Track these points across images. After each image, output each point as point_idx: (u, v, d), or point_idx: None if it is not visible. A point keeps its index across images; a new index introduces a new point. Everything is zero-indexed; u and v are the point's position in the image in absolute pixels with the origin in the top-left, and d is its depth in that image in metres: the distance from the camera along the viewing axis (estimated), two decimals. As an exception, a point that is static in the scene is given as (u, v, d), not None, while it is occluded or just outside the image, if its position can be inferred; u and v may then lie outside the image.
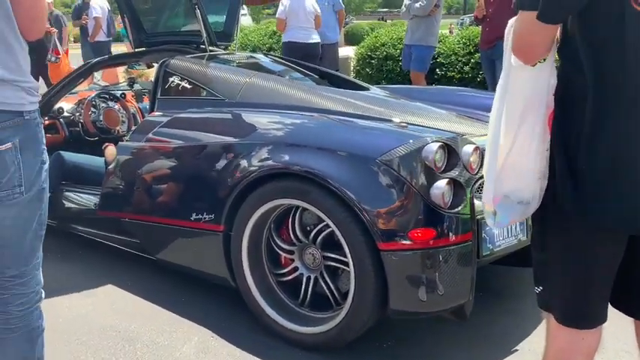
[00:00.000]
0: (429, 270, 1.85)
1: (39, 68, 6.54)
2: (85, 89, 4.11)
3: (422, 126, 2.35)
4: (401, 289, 1.88)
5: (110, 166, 2.66)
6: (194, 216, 2.30)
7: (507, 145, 1.21)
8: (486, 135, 2.16)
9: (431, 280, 1.86)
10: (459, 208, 1.87)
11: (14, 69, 1.27)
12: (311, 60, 4.92)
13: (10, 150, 1.28)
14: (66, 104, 3.60)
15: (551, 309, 1.29)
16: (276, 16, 6.21)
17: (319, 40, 5.95)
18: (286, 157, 2.09)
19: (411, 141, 1.93)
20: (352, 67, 6.95)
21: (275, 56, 3.47)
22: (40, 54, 6.47)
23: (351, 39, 16.09)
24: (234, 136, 2.31)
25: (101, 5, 7.46)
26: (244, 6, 15.66)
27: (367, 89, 3.02)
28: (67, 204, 3.01)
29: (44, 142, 1.39)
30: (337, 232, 1.95)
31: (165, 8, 3.63)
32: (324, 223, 2.02)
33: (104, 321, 2.29)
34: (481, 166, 2.01)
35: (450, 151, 1.91)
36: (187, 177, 2.40)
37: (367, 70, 6.45)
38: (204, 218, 2.27)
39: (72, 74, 3.26)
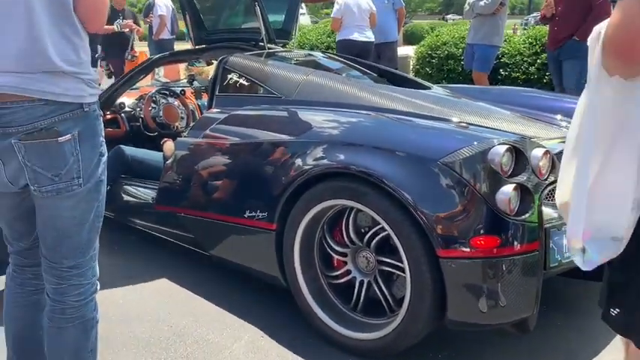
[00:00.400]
0: (491, 280, 1.75)
1: (118, 64, 6.82)
2: (146, 85, 4.21)
3: (486, 127, 2.23)
4: (460, 298, 1.78)
5: (168, 162, 2.68)
6: (247, 213, 2.28)
7: (596, 170, 1.03)
8: (556, 139, 2.01)
9: (493, 291, 1.75)
10: (526, 215, 1.75)
11: (75, 61, 1.28)
12: (364, 58, 4.87)
13: (70, 142, 1.29)
14: (127, 99, 3.68)
15: (631, 334, 1.16)
16: (332, 15, 6.16)
17: (373, 39, 5.86)
18: (342, 157, 2.03)
19: (475, 142, 1.83)
20: (411, 67, 6.82)
21: (333, 54, 3.42)
22: (121, 49, 6.80)
23: (410, 38, 15.86)
24: (289, 134, 2.27)
25: (166, 4, 7.66)
26: (303, 5, 15.78)
27: (428, 88, 2.92)
28: (125, 197, 3.07)
29: (103, 134, 1.39)
30: (393, 236, 1.87)
31: (225, 6, 3.65)
32: (380, 226, 1.94)
33: (156, 314, 2.31)
34: (551, 171, 1.88)
35: (518, 154, 1.79)
36: (242, 174, 2.38)
37: (427, 69, 6.31)
38: (258, 216, 2.24)
39: (134, 70, 3.32)
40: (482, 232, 1.73)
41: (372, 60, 5.42)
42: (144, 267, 2.78)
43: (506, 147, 1.76)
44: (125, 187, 3.10)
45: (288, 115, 2.47)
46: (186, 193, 2.61)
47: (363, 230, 2.08)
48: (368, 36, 5.86)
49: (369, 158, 1.96)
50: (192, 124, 3.08)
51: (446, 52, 6.19)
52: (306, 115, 2.39)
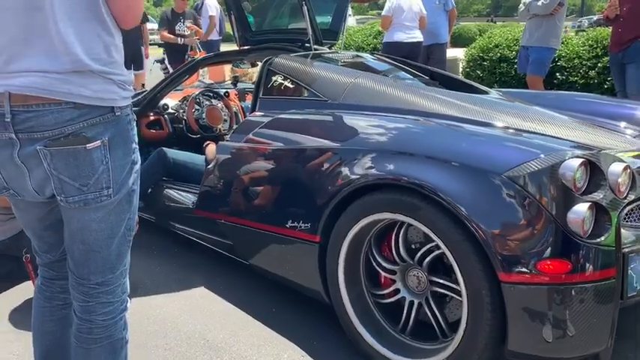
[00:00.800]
0: (559, 308, 1.56)
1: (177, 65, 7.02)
2: (190, 86, 4.16)
3: (549, 135, 2.03)
4: (523, 328, 1.59)
5: (209, 166, 2.59)
6: (289, 223, 2.15)
7: None
8: (633, 152, 1.81)
9: (560, 320, 1.56)
10: (602, 238, 1.56)
11: (105, 60, 1.18)
12: (413, 60, 4.72)
13: (99, 148, 1.19)
14: (171, 101, 3.63)
15: None
16: (383, 13, 5.99)
17: (422, 40, 5.67)
18: (391, 167, 1.88)
19: (542, 155, 1.64)
20: (461, 69, 6.57)
21: (382, 55, 3.26)
22: (182, 52, 6.95)
23: (457, 41, 15.48)
24: (335, 140, 2.13)
25: (215, 5, 7.66)
26: (350, 6, 15.58)
27: (485, 92, 2.73)
28: (167, 200, 3.00)
29: (136, 140, 1.29)
30: (449, 256, 1.71)
31: (272, 6, 3.55)
32: (434, 243, 1.78)
33: (193, 327, 2.21)
34: (631, 188, 1.68)
35: (594, 169, 1.60)
36: (285, 181, 2.26)
37: (478, 72, 6.05)
38: (300, 227, 2.12)
39: (177, 71, 3.26)
40: (550, 255, 1.55)
41: (422, 62, 5.23)
42: (182, 274, 2.70)
43: (580, 161, 1.57)
44: (166, 190, 3.04)
45: (334, 119, 2.34)
46: (226, 199, 2.51)
47: (414, 246, 1.93)
48: (416, 36, 5.71)
49: (422, 169, 1.80)
50: (234, 127, 2.99)
51: (498, 54, 5.92)
52: (352, 120, 2.25)
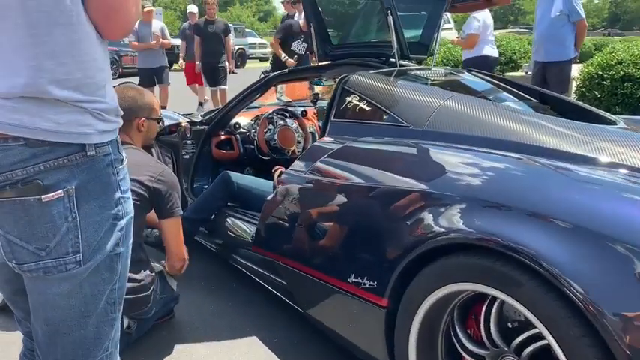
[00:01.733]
0: None
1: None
2: (266, 104, 3.91)
3: None
4: None
5: (269, 197, 2.27)
6: (352, 277, 1.76)
7: None
8: None
9: None
10: None
11: (77, 80, 0.87)
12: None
13: (61, 200, 0.88)
14: (244, 119, 3.39)
15: None
16: (472, 32, 5.61)
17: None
18: (481, 223, 1.43)
19: None
20: (574, 89, 5.82)
21: (482, 73, 2.79)
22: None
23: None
24: (414, 179, 1.72)
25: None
26: (450, 18, 14.80)
27: (612, 123, 2.18)
28: (227, 230, 2.73)
29: (124, 187, 0.97)
30: (557, 349, 1.24)
31: (356, 17, 3.20)
32: (536, 330, 1.31)
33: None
34: None
35: None
36: (351, 225, 1.88)
37: (595, 92, 5.29)
38: (365, 284, 1.72)
39: (249, 88, 3.00)
40: None
41: (533, 82, 4.63)
42: (235, 316, 2.39)
43: None
44: (228, 218, 2.76)
45: (415, 153, 1.92)
46: (283, 237, 2.17)
47: (510, 326, 1.46)
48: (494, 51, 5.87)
49: (521, 229, 1.35)
50: (301, 154, 2.66)
51: (621, 72, 5.13)
52: (437, 154, 1.82)
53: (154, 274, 2.10)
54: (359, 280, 1.74)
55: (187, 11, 8.14)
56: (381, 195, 1.77)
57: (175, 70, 16.94)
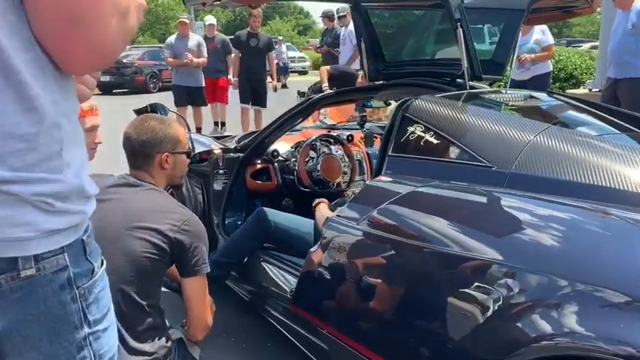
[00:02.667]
0: None
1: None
2: (308, 127, 3.53)
3: None
4: None
5: (313, 248, 1.86)
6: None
7: None
8: None
9: None
10: None
11: (13, 149, 0.50)
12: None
13: None
14: (285, 144, 3.01)
15: None
16: (550, 43, 5.02)
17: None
18: (608, 327, 1.00)
19: None
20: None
21: (568, 97, 2.33)
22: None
23: None
24: (503, 250, 1.29)
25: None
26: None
27: None
28: (261, 278, 2.34)
29: (92, 317, 0.60)
30: None
31: (413, 31, 2.79)
32: None
33: None
34: None
35: None
36: (416, 301, 1.46)
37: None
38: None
39: (291, 111, 2.62)
40: None
41: (603, 100, 4.12)
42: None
43: None
44: (263, 264, 2.37)
45: (502, 206, 1.49)
46: (328, 300, 1.77)
47: None
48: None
49: None
50: (351, 196, 2.25)
51: None
52: (531, 208, 1.39)
53: (169, 343, 1.72)
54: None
55: (206, 23, 7.29)
56: (462, 267, 1.35)
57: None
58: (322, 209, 2.29)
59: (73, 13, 0.54)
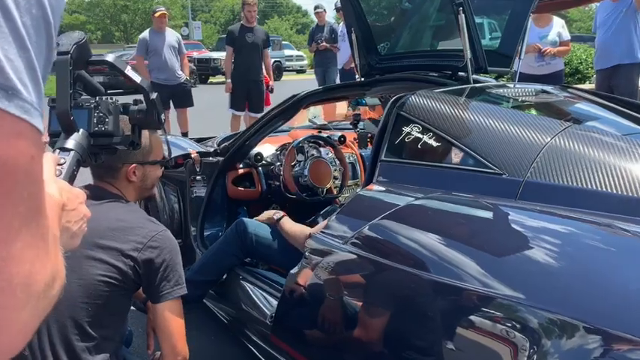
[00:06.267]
0: None
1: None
2: (297, 127, 3.26)
3: None
4: None
5: (294, 270, 1.59)
6: None
7: None
8: None
9: None
10: None
11: None
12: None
13: None
14: (270, 147, 2.75)
15: None
16: (568, 38, 4.78)
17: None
18: None
19: None
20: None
21: (582, 91, 2.06)
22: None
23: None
24: (517, 284, 1.04)
25: None
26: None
27: None
28: (241, 300, 2.07)
29: None
30: None
31: (409, 20, 2.52)
32: None
33: None
34: None
35: None
36: (417, 341, 1.20)
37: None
38: None
39: (274, 110, 2.35)
40: None
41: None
42: None
43: None
44: (242, 282, 2.11)
45: (515, 224, 1.23)
46: (312, 333, 1.51)
47: None
48: None
49: None
50: (340, 206, 1.99)
51: None
52: (551, 226, 1.14)
53: None
54: None
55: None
56: (467, 302, 1.09)
57: (212, 83, 16.56)
58: (288, 224, 2.04)
59: None
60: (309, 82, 5.69)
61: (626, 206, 1.16)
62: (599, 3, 4.63)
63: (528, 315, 0.96)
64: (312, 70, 8.08)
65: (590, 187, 1.22)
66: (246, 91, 5.87)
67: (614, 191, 1.19)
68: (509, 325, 0.99)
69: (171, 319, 1.48)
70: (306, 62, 23.45)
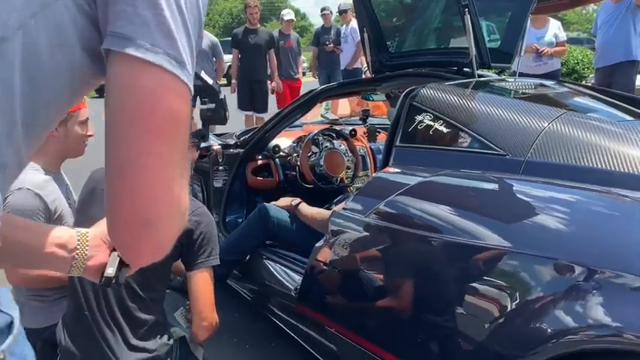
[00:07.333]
0: None
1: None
2: (310, 122, 3.45)
3: None
4: None
5: (319, 243, 1.78)
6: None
7: None
8: None
9: None
10: None
11: None
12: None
13: None
14: (286, 140, 2.93)
15: None
16: (565, 39, 4.96)
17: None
18: (625, 319, 0.93)
19: None
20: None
21: (575, 84, 2.25)
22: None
23: None
24: (520, 237, 1.22)
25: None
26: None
27: None
28: (264, 277, 2.25)
29: None
30: None
31: (418, 19, 2.71)
32: None
33: None
34: None
35: None
36: (433, 298, 1.38)
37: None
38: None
39: (292, 104, 2.54)
40: None
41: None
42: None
43: None
44: (265, 262, 2.29)
45: (518, 193, 1.41)
46: (337, 299, 1.69)
47: None
48: None
49: None
50: (356, 186, 2.18)
51: None
52: (550, 194, 1.33)
53: (171, 341, 1.64)
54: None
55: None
56: (477, 257, 1.27)
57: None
58: (306, 208, 2.24)
59: (148, 217, 0.56)
60: (309, 84, 5.79)
61: (613, 179, 1.34)
62: (599, 5, 4.83)
63: (531, 263, 1.15)
64: (310, 72, 8.19)
65: (583, 164, 1.40)
66: (250, 92, 6.02)
67: (605, 167, 1.37)
68: (511, 271, 1.17)
69: (203, 287, 1.65)
70: (305, 65, 23.57)
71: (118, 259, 0.77)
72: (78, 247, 0.76)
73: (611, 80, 4.68)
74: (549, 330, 1.07)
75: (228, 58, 6.65)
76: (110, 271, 0.76)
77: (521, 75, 4.52)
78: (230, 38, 6.46)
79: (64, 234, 0.76)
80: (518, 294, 1.15)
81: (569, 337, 1.04)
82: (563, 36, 4.99)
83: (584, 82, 7.65)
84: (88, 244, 0.77)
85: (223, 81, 8.81)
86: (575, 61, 7.84)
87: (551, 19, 4.87)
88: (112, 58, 0.53)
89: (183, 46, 0.55)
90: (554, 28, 4.93)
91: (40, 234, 0.71)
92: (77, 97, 0.59)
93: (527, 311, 1.13)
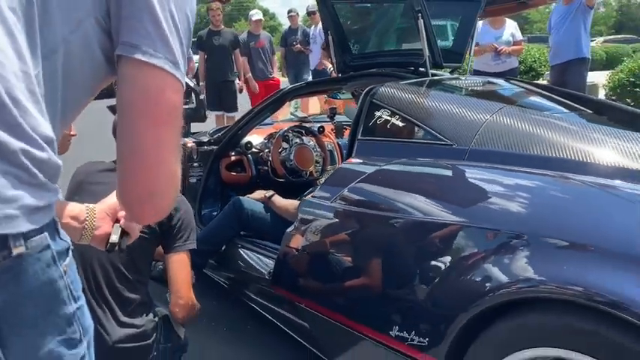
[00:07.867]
0: None
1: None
2: (281, 120, 3.63)
3: None
4: None
5: (290, 229, 1.96)
6: (395, 331, 1.46)
7: None
8: None
9: None
10: None
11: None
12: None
13: None
14: (257, 137, 3.10)
15: None
16: (521, 38, 5.25)
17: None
18: (555, 270, 1.13)
19: None
20: (604, 97, 5.51)
21: (521, 81, 2.49)
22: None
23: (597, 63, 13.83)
24: (469, 211, 1.42)
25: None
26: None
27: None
28: (240, 264, 2.42)
29: (75, 293, 0.66)
30: None
31: (378, 23, 2.91)
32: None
33: None
34: None
35: None
36: (391, 267, 1.57)
37: (628, 100, 4.98)
38: (412, 340, 1.41)
39: (262, 103, 2.71)
40: None
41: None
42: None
43: None
44: (240, 250, 2.46)
45: (468, 178, 1.62)
46: (308, 278, 1.88)
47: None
48: None
49: (611, 274, 1.05)
50: (325, 178, 2.36)
51: (655, 78, 4.83)
52: (494, 179, 1.53)
53: (156, 319, 1.80)
54: (404, 334, 1.43)
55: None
56: (428, 231, 1.47)
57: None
58: (279, 199, 2.43)
59: (152, 189, 0.72)
60: (286, 83, 6.01)
61: (546, 163, 1.55)
62: (553, 5, 5.11)
63: (474, 233, 1.35)
64: (280, 72, 8.35)
65: (519, 151, 1.62)
66: (218, 92, 6.14)
67: (539, 153, 1.58)
68: (458, 242, 1.37)
69: (179, 268, 1.80)
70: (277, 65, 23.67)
71: (120, 229, 0.94)
72: (87, 218, 0.92)
73: (564, 77, 4.97)
74: (487, 285, 1.26)
75: (197, 58, 6.74)
76: (114, 238, 0.93)
77: (479, 73, 4.79)
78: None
79: (75, 208, 0.92)
80: (464, 260, 1.35)
81: (502, 290, 1.23)
82: (519, 35, 5.27)
83: (541, 79, 8.03)
84: (96, 217, 0.93)
85: (193, 81, 8.89)
86: (533, 59, 8.24)
87: (508, 19, 5.14)
88: (123, 62, 0.69)
89: (177, 51, 0.71)
90: (511, 28, 5.21)
91: (58, 208, 0.87)
92: (95, 92, 0.75)
93: (471, 273, 1.32)
